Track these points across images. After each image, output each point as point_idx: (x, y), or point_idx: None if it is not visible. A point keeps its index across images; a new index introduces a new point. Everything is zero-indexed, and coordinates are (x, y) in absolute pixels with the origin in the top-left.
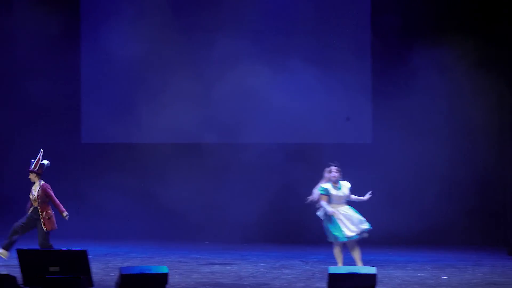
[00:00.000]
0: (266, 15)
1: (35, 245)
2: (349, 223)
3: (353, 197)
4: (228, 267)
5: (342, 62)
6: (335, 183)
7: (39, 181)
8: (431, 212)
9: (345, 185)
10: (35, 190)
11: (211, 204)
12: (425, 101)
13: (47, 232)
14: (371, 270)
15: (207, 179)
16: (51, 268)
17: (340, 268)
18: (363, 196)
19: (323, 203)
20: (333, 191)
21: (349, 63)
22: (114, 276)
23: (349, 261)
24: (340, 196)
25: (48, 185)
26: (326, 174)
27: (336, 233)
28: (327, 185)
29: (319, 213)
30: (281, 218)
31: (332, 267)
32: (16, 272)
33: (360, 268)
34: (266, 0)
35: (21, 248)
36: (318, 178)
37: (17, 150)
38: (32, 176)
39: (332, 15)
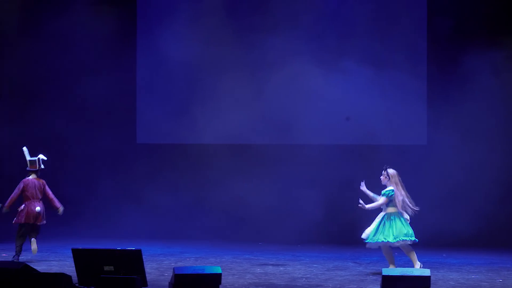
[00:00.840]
0: (321, 16)
1: (90, 245)
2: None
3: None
4: (281, 268)
5: (397, 64)
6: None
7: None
8: (486, 214)
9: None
10: None
11: (265, 205)
12: (480, 104)
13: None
14: (425, 272)
15: (261, 180)
16: (106, 268)
17: (394, 270)
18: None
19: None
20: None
21: (405, 65)
22: (168, 276)
23: (402, 263)
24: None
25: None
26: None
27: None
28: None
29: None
30: (335, 219)
31: (385, 268)
32: (71, 271)
33: (414, 270)
34: (321, 1)
35: (76, 248)
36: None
37: (74, 149)
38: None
39: (388, 18)
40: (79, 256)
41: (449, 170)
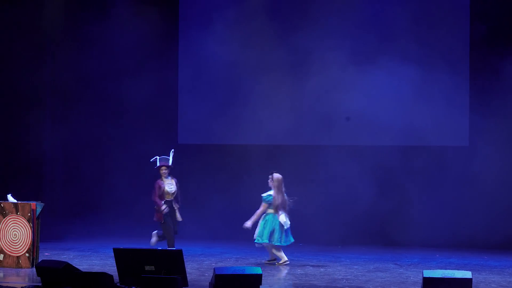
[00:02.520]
0: (361, 18)
1: (130, 244)
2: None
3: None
4: (322, 269)
5: (440, 66)
6: None
7: (170, 176)
8: None
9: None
10: (172, 185)
11: (304, 206)
12: None
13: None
14: (467, 274)
15: (301, 181)
16: (147, 267)
17: (435, 272)
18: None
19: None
20: None
21: (447, 67)
22: (209, 276)
23: (443, 264)
24: None
25: None
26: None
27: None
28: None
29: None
30: (376, 221)
31: (427, 270)
32: (113, 271)
33: (456, 273)
34: (363, 3)
35: (117, 247)
36: (415, 179)
37: (116, 150)
38: (167, 171)
39: (430, 19)
40: (120, 255)
41: (490, 171)
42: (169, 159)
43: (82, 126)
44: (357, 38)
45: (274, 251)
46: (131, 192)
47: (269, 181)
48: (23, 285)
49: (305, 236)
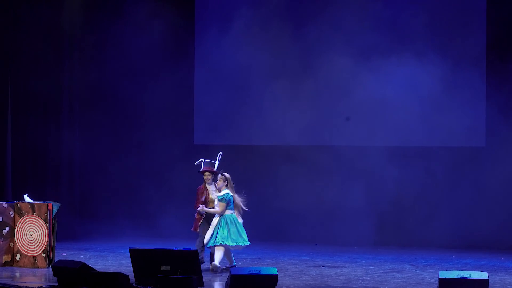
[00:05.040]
0: (379, 21)
1: (146, 244)
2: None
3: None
4: (338, 270)
5: (456, 66)
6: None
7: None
8: None
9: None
10: (217, 191)
11: (321, 207)
12: None
13: None
14: (483, 275)
15: (318, 181)
16: (163, 268)
17: (452, 273)
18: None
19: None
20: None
21: (464, 67)
22: (224, 277)
23: (459, 265)
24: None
25: None
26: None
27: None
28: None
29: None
30: (392, 221)
31: (443, 271)
32: (129, 271)
33: (472, 273)
34: (379, 7)
35: (133, 248)
36: (432, 180)
37: (133, 151)
38: (211, 177)
39: (447, 21)
40: (136, 256)
41: (507, 172)
42: (214, 164)
43: (99, 127)
44: (373, 41)
45: (221, 252)
46: (148, 193)
47: (219, 181)
48: (40, 285)
49: (321, 237)
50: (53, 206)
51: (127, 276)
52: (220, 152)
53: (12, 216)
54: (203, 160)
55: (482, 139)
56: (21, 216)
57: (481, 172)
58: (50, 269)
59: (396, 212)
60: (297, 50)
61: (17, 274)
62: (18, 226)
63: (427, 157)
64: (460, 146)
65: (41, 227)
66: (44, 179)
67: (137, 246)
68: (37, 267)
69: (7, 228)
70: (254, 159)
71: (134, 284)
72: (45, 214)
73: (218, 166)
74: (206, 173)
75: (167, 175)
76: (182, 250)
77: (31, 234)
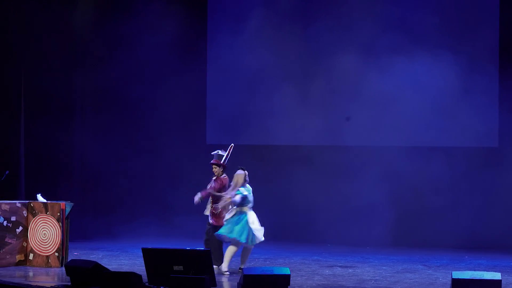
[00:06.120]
0: (391, 22)
1: (159, 244)
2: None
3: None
4: (350, 270)
5: (470, 66)
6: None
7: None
8: None
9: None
10: None
11: (334, 207)
12: None
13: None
14: (496, 276)
15: (331, 181)
16: (175, 267)
17: (464, 274)
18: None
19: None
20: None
21: (477, 67)
22: (237, 276)
23: (472, 266)
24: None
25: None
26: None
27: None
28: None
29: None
30: (405, 222)
31: (456, 272)
32: (142, 270)
33: (485, 274)
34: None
35: (146, 247)
36: (445, 181)
37: (145, 151)
38: (217, 170)
39: (460, 21)
40: (149, 255)
41: None
42: (223, 156)
43: (111, 128)
44: (386, 42)
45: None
46: (161, 192)
47: (246, 177)
48: (53, 285)
49: (334, 237)
50: (66, 206)
51: (140, 276)
52: (232, 144)
53: (25, 215)
54: (217, 152)
55: (495, 139)
56: (34, 215)
57: (494, 173)
58: (63, 268)
59: (409, 213)
60: (309, 50)
61: (30, 274)
62: (31, 226)
63: (440, 158)
64: (473, 146)
65: (54, 226)
66: (56, 179)
67: (150, 245)
68: (50, 267)
69: (20, 228)
70: (266, 159)
71: (146, 284)
72: (58, 214)
73: (228, 158)
74: (213, 166)
75: (180, 175)
76: (195, 250)
77: (44, 234)
